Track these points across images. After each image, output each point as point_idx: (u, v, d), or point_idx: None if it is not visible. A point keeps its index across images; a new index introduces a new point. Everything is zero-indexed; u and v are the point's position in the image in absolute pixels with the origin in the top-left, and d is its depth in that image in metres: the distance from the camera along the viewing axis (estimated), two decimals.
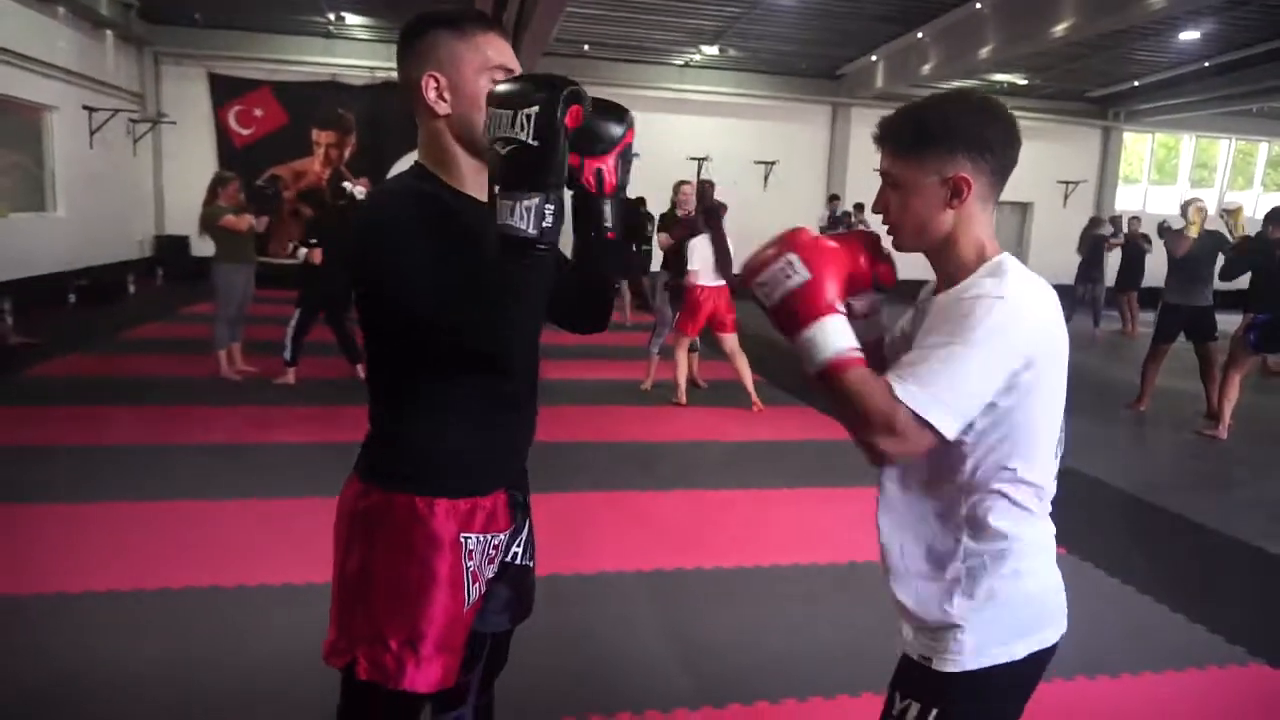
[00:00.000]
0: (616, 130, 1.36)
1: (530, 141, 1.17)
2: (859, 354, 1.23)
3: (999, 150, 1.29)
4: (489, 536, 1.48)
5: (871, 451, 1.22)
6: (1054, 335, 1.27)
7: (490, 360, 1.32)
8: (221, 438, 5.09)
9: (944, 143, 1.28)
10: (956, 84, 13.23)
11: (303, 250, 6.45)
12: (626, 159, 1.39)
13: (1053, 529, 1.37)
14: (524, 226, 1.19)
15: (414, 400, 1.42)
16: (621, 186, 1.41)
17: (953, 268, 1.32)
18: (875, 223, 1.38)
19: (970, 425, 1.23)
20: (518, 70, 1.41)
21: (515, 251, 1.21)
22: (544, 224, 1.19)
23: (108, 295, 10.57)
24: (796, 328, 1.23)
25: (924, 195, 1.30)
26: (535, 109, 1.17)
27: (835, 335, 1.22)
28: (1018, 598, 1.31)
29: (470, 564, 1.44)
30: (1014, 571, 1.31)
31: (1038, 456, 1.30)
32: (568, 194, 1.34)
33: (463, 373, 1.38)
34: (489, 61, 1.39)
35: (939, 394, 1.18)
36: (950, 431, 1.19)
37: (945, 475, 1.30)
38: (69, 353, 7.38)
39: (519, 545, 1.59)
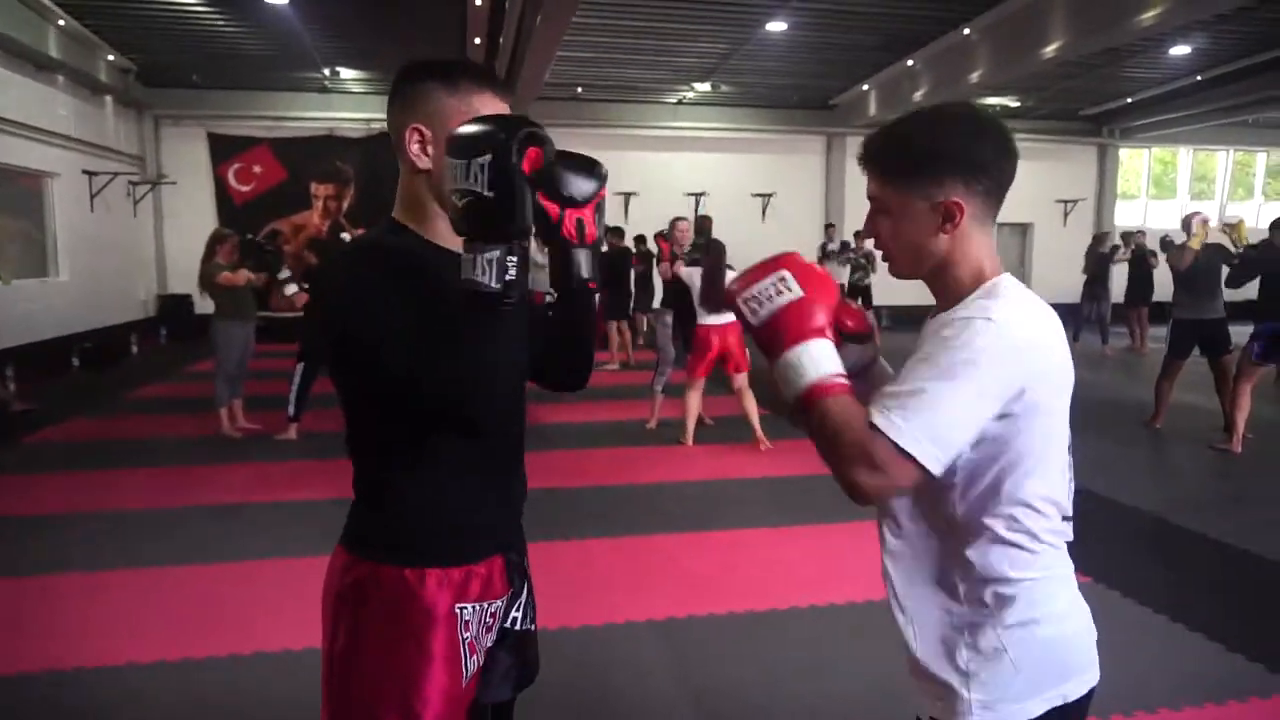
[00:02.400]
0: (591, 183, 1.28)
1: (485, 193, 1.11)
2: (844, 380, 1.14)
3: (992, 168, 1.21)
4: (485, 605, 1.40)
5: (851, 488, 1.11)
6: (1050, 357, 1.17)
7: (465, 420, 1.24)
8: (221, 498, 5.01)
9: (931, 167, 1.19)
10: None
11: (291, 287, 6.42)
12: (600, 210, 1.32)
13: (1069, 566, 1.25)
14: (486, 280, 1.12)
15: (397, 465, 1.35)
16: (599, 237, 1.35)
17: (950, 293, 1.23)
18: (874, 250, 1.31)
19: (959, 458, 1.13)
20: None
21: (481, 306, 1.14)
22: (507, 277, 1.13)
23: (111, 357, 10.57)
24: (781, 347, 1.15)
25: (915, 221, 1.21)
26: (488, 157, 1.10)
27: (821, 359, 1.14)
28: (1031, 648, 1.19)
29: (466, 635, 1.36)
30: (1025, 619, 1.19)
31: (1042, 488, 1.18)
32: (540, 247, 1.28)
33: (442, 433, 1.30)
34: None
35: (922, 425, 1.08)
36: (935, 466, 1.09)
37: (939, 514, 1.20)
38: (71, 417, 7.34)
39: (518, 610, 1.50)
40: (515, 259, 1.14)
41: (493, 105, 1.34)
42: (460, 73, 1.35)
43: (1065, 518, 1.23)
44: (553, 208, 1.23)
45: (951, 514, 1.19)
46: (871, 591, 3.52)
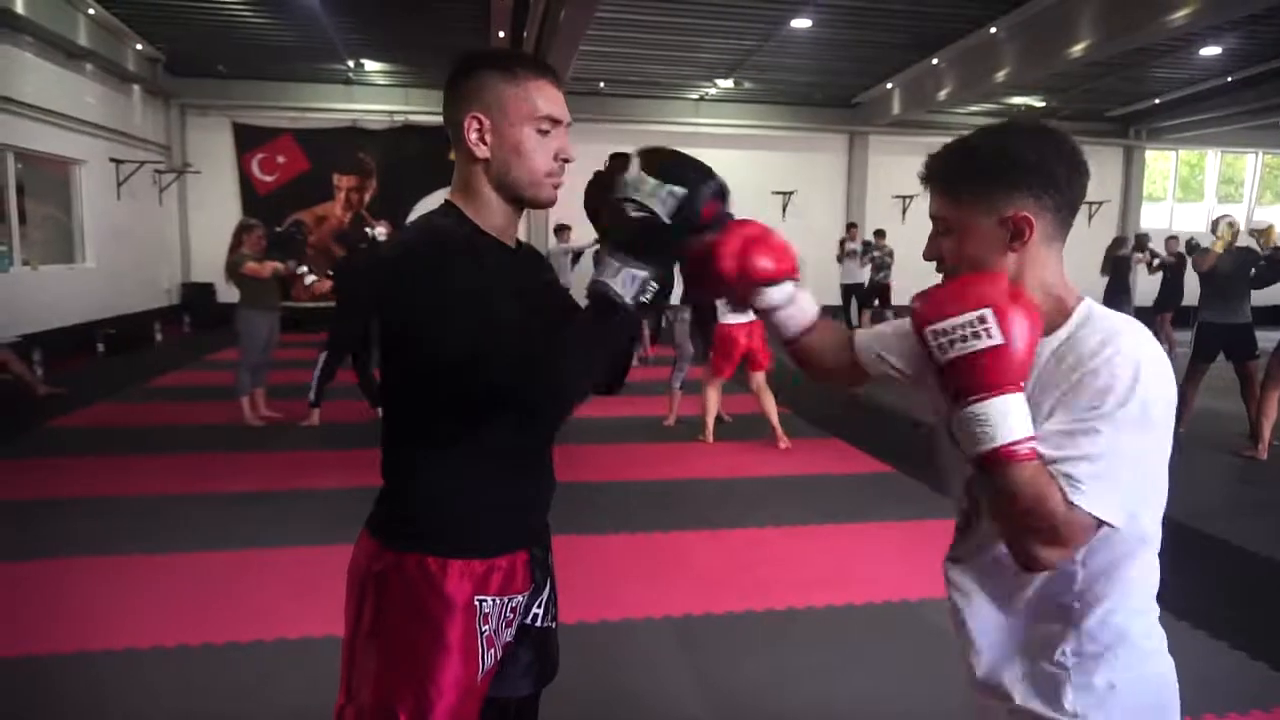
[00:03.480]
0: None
1: (664, 218, 1.15)
2: (1035, 446, 1.05)
3: (1064, 184, 1.14)
4: (506, 599, 1.40)
5: (1030, 561, 1.07)
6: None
7: (529, 412, 1.25)
8: (241, 486, 5.05)
9: (1001, 178, 1.13)
10: (974, 108, 13.21)
11: (310, 277, 6.46)
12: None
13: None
14: (622, 292, 1.16)
15: (430, 453, 1.36)
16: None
17: None
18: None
19: None
20: (566, 120, 1.36)
21: (601, 309, 1.17)
22: (643, 298, 1.17)
23: (135, 344, 10.69)
24: (972, 394, 1.04)
25: (980, 238, 1.15)
26: (684, 191, 1.16)
27: (1014, 417, 1.04)
28: (1147, 683, 1.16)
29: (485, 628, 1.37)
30: (1140, 654, 1.16)
31: (1158, 520, 1.16)
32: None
33: (484, 425, 1.31)
34: (537, 110, 1.33)
35: (1121, 488, 1.05)
36: (1121, 521, 1.06)
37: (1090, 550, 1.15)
38: (95, 402, 7.43)
39: (539, 606, 1.50)
40: (655, 287, 1.18)
41: (550, 93, 1.35)
42: (516, 62, 1.36)
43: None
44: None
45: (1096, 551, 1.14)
46: (888, 592, 3.51)
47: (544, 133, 1.34)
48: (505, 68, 1.34)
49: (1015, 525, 1.06)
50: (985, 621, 1.23)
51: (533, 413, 1.25)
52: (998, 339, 1.03)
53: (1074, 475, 1.04)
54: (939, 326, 1.06)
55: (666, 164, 1.18)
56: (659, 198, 1.14)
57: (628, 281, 1.15)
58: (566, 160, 1.38)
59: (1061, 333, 1.14)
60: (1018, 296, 1.06)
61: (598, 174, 1.37)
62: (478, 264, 1.28)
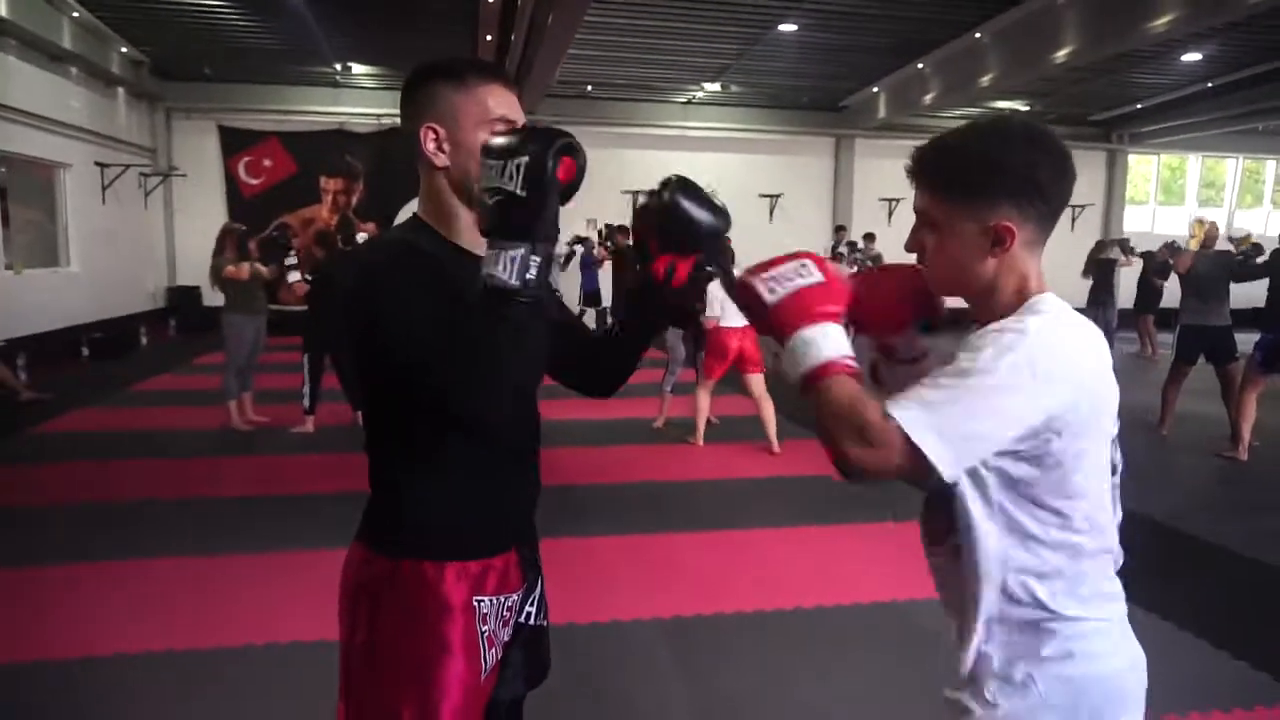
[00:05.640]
0: (711, 225, 1.35)
1: (518, 192, 1.14)
2: (854, 365, 1.12)
3: (1050, 191, 1.16)
4: (503, 598, 1.42)
5: (841, 459, 1.08)
6: (1088, 376, 1.13)
7: (471, 417, 1.26)
8: (229, 491, 5.04)
9: (985, 188, 1.15)
10: (960, 112, 13.29)
11: (293, 275, 6.44)
12: (705, 274, 1.43)
13: (1120, 597, 1.22)
14: (506, 276, 1.15)
15: (414, 460, 1.37)
16: (696, 281, 1.43)
17: (992, 313, 1.19)
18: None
19: (993, 473, 1.12)
20: (520, 120, 1.38)
21: (497, 302, 1.16)
22: (527, 275, 1.15)
23: (121, 348, 10.61)
24: (796, 325, 1.14)
25: (962, 241, 1.17)
26: (525, 159, 1.15)
27: (837, 341, 1.13)
28: (1067, 684, 1.14)
29: (485, 629, 1.38)
30: (1061, 653, 1.15)
31: (1083, 511, 1.15)
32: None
33: (458, 428, 1.32)
34: (488, 113, 1.35)
35: (941, 425, 1.05)
36: (947, 469, 1.06)
37: (973, 535, 1.16)
38: (80, 407, 7.37)
39: (532, 605, 1.52)
40: (538, 259, 1.16)
41: (500, 95, 1.37)
42: (465, 68, 1.38)
43: (1105, 550, 1.20)
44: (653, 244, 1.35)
45: (986, 533, 1.15)
46: (879, 593, 3.54)
47: (499, 134, 1.36)
48: (454, 74, 1.36)
49: (834, 429, 1.09)
50: (944, 608, 1.27)
51: (477, 418, 1.26)
52: (819, 277, 1.17)
53: (905, 396, 1.09)
54: (768, 274, 1.19)
55: (504, 144, 1.18)
56: (507, 175, 1.15)
57: (507, 264, 1.15)
58: None
59: (1001, 320, 1.15)
60: (833, 263, 1.22)
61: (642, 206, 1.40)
62: (439, 278, 1.29)
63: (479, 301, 1.17)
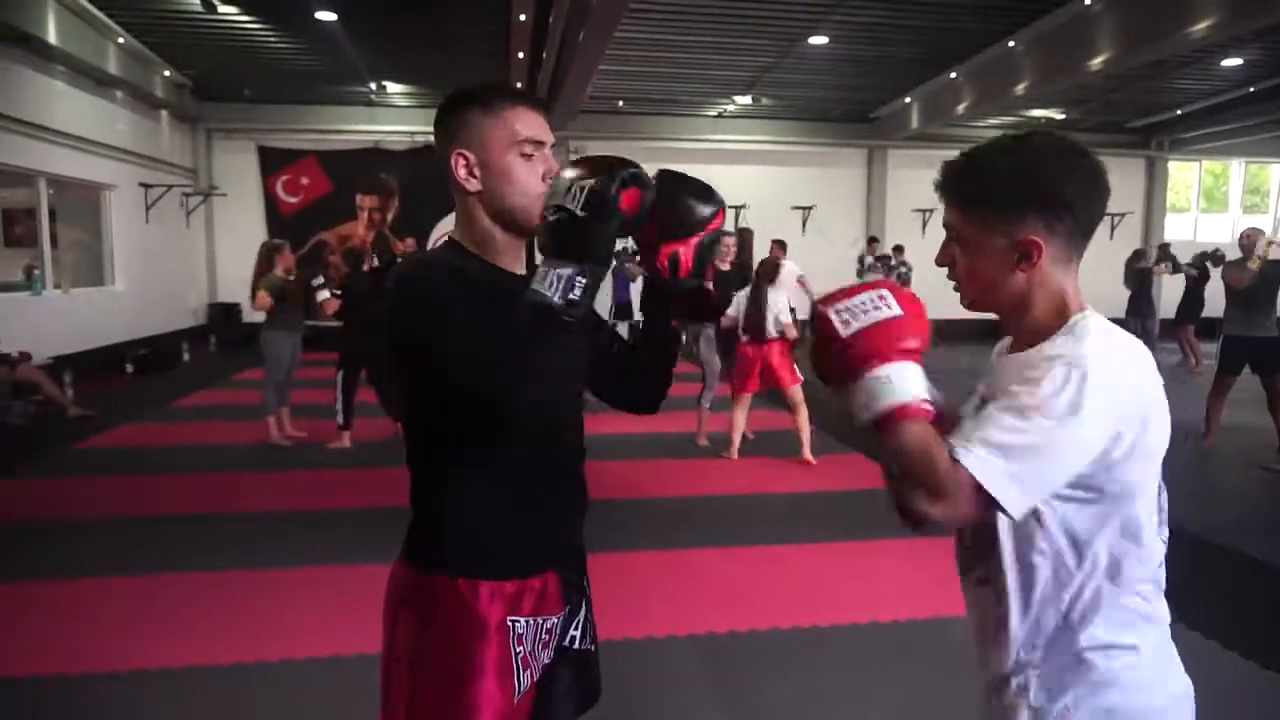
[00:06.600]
0: (703, 212, 1.37)
1: (578, 212, 1.17)
2: (931, 407, 1.08)
3: (1079, 208, 1.14)
4: (540, 620, 1.42)
5: (909, 512, 1.07)
6: (1148, 400, 1.11)
7: (510, 432, 1.28)
8: (269, 505, 5.11)
9: (1010, 202, 1.14)
10: (994, 121, 13.17)
11: (323, 294, 6.52)
12: (713, 243, 1.42)
13: (1165, 621, 1.19)
14: (551, 294, 1.17)
15: (453, 476, 1.38)
16: (699, 273, 1.42)
17: (1027, 332, 1.18)
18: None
19: (1047, 505, 1.10)
20: (549, 141, 1.41)
21: (539, 318, 1.18)
22: (571, 295, 1.18)
23: (163, 364, 10.83)
24: (871, 363, 1.08)
25: (990, 256, 1.16)
26: (591, 182, 1.18)
27: (913, 381, 1.08)
28: (1109, 717, 1.12)
29: (520, 650, 1.38)
30: (1103, 684, 1.13)
31: (1137, 538, 1.13)
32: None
33: (499, 446, 1.34)
34: (516, 135, 1.38)
35: (1011, 469, 1.04)
36: (1016, 510, 1.05)
37: (1016, 565, 1.15)
38: (123, 423, 7.53)
39: (576, 628, 1.51)
40: (584, 281, 1.18)
41: (527, 117, 1.39)
42: (493, 93, 1.41)
43: (1152, 575, 1.18)
44: (649, 234, 1.34)
45: (1040, 564, 1.14)
46: (913, 610, 3.49)
47: (528, 156, 1.38)
48: (482, 101, 1.39)
49: (905, 481, 1.07)
50: (972, 632, 1.26)
51: (512, 432, 1.28)
52: (897, 311, 1.11)
53: (970, 439, 1.07)
54: (844, 304, 1.13)
55: (575, 166, 1.22)
56: (570, 195, 1.17)
57: (554, 282, 1.17)
58: None
59: (1044, 343, 1.14)
60: (911, 293, 1.15)
61: None
62: (479, 296, 1.32)
63: (518, 314, 1.20)
